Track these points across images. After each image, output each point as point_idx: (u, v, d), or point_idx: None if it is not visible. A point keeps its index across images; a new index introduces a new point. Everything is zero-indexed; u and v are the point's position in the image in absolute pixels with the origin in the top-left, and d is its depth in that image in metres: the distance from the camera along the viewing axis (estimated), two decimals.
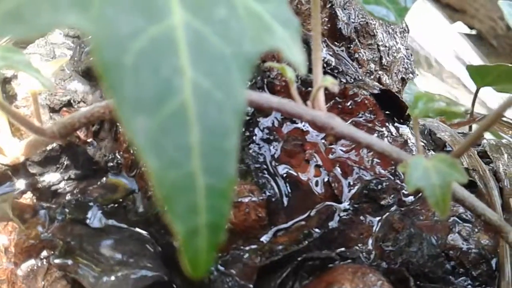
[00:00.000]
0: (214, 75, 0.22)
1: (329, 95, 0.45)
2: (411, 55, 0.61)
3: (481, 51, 2.06)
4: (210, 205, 0.21)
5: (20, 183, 0.45)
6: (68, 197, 0.44)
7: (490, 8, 2.20)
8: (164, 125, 0.20)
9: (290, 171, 0.44)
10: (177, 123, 0.21)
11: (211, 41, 0.23)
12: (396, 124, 0.50)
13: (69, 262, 0.39)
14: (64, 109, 0.46)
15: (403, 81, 0.59)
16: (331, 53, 0.50)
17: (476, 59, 1.81)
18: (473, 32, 2.24)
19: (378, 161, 0.46)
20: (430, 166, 0.31)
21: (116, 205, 0.43)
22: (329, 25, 0.51)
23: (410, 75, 0.60)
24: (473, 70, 0.72)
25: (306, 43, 0.47)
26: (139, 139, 0.20)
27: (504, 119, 0.72)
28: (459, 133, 0.61)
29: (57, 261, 0.39)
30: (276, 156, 0.44)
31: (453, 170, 0.31)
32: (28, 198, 0.45)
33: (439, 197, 0.30)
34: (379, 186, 0.44)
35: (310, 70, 0.48)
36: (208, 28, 0.23)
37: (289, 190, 0.43)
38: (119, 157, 0.45)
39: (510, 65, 0.68)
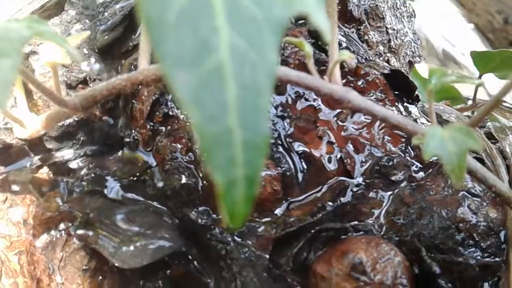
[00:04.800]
0: (249, 37, 0.23)
1: (341, 74, 0.46)
2: (418, 39, 0.62)
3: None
4: (246, 159, 0.22)
5: (37, 158, 0.46)
6: (85, 171, 0.44)
7: (487, 2, 2.22)
8: (204, 81, 0.21)
9: (303, 147, 0.45)
10: (215, 80, 0.22)
11: (244, 4, 0.24)
12: (405, 104, 0.51)
13: (90, 233, 0.40)
14: (80, 86, 0.47)
15: (410, 64, 0.61)
16: (342, 33, 0.51)
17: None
18: (471, 26, 2.25)
19: (389, 138, 0.47)
20: (446, 135, 0.32)
21: (134, 179, 0.43)
22: (340, 7, 0.52)
23: (417, 58, 0.61)
24: (476, 56, 0.73)
25: None
26: (181, 92, 0.20)
27: (505, 104, 0.73)
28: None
29: (78, 232, 0.39)
30: (289, 132, 0.45)
31: (468, 138, 0.32)
32: (44, 173, 0.46)
33: (455, 164, 0.31)
34: (390, 163, 0.45)
35: (322, 50, 0.49)
36: None
37: (304, 166, 0.44)
38: (135, 133, 0.45)
39: None
